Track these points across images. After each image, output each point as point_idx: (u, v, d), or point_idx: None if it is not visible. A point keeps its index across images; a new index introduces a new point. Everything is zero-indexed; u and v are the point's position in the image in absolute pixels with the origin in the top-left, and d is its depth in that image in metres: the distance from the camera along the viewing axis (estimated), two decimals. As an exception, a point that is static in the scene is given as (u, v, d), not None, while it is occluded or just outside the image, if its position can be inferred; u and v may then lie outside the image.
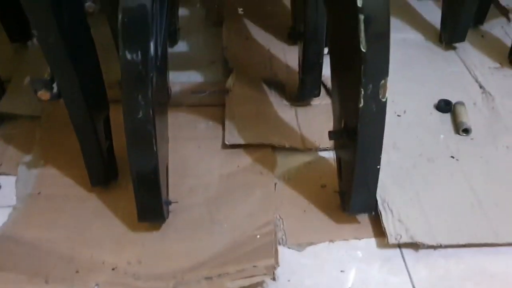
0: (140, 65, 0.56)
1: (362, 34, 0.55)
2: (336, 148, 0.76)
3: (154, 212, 0.70)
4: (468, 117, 0.91)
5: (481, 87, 1.01)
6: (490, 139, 0.88)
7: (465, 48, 1.12)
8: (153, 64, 0.57)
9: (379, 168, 0.66)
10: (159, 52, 0.66)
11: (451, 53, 1.11)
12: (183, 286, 0.66)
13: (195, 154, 0.87)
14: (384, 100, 0.60)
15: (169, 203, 0.74)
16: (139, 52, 0.55)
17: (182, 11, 1.23)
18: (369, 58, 0.56)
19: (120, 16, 0.54)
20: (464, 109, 0.92)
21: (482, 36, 1.16)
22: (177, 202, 0.75)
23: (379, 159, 0.65)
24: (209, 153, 0.88)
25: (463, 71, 1.05)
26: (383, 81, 0.58)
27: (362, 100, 0.59)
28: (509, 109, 0.95)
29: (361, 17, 0.54)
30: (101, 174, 0.78)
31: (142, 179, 0.66)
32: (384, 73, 0.58)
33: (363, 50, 0.55)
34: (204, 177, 0.83)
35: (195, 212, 0.76)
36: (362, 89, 0.58)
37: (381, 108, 0.60)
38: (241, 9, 1.14)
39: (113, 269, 0.69)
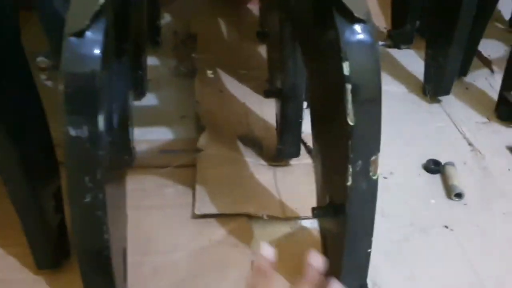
0: (87, 142, 0.47)
1: (350, 106, 0.47)
2: (320, 222, 0.67)
3: (107, 306, 0.59)
4: (459, 180, 0.84)
5: (470, 144, 0.94)
6: (484, 204, 0.81)
7: (450, 101, 1.07)
8: (104, 140, 0.48)
9: (370, 252, 0.57)
10: (114, 120, 0.57)
11: (435, 106, 1.05)
12: None
13: (161, 226, 0.77)
14: (375, 178, 0.51)
15: (127, 291, 0.64)
16: (85, 128, 0.46)
17: (152, 61, 1.16)
18: (358, 133, 0.48)
19: (61, 85, 0.45)
20: (454, 170, 0.86)
21: (467, 88, 1.11)
22: (137, 289, 0.65)
23: (370, 242, 0.56)
24: (177, 224, 0.78)
25: (450, 127, 1.00)
26: (374, 157, 0.50)
27: (350, 178, 0.51)
28: (501, 169, 0.88)
29: (348, 87, 0.46)
30: (49, 255, 0.67)
31: (91, 270, 0.56)
32: (375, 148, 0.50)
33: (351, 123, 0.48)
34: (170, 254, 0.73)
35: (159, 300, 0.66)
36: (349, 166, 0.50)
37: (372, 186, 0.52)
38: (211, 71, 1.07)
39: None
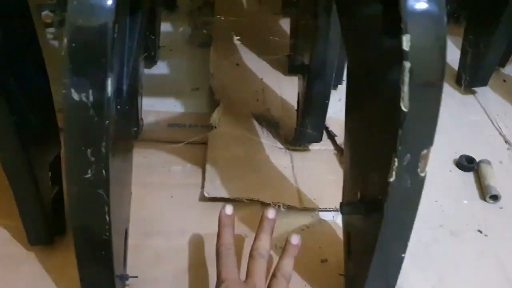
0: (92, 109, 0.39)
1: (406, 88, 0.39)
2: (345, 218, 0.60)
3: (104, 293, 0.53)
4: (496, 180, 0.76)
5: (506, 141, 0.87)
6: (522, 209, 0.74)
7: (486, 93, 0.98)
8: (111, 108, 0.41)
9: (404, 256, 0.50)
10: (123, 86, 0.50)
11: (470, 98, 0.97)
12: None
13: (166, 207, 0.71)
14: (423, 175, 0.44)
15: (125, 278, 0.57)
16: (91, 92, 0.39)
17: (165, 27, 1.07)
18: (411, 121, 0.41)
19: (66, 40, 0.38)
20: (491, 169, 0.78)
21: (504, 80, 1.02)
22: (136, 277, 0.58)
23: (406, 245, 0.50)
24: (184, 206, 0.71)
25: (485, 121, 0.92)
26: (425, 151, 0.43)
27: (394, 173, 0.44)
28: (540, 171, 0.81)
29: (407, 65, 0.39)
30: (42, 231, 0.61)
31: (88, 253, 0.49)
32: (429, 141, 0.43)
33: (404, 109, 0.40)
34: (175, 239, 0.66)
35: (161, 288, 0.60)
36: (396, 160, 0.43)
37: (419, 185, 0.45)
38: (238, 37, 0.98)
39: None
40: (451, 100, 0.96)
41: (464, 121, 0.91)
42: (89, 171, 0.42)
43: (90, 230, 0.47)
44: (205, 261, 0.63)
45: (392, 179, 0.44)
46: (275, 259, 0.60)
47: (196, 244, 0.66)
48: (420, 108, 0.41)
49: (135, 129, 0.78)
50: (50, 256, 0.62)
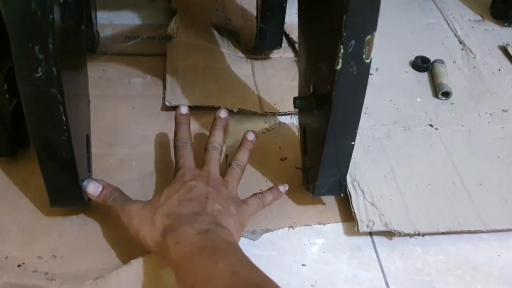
0: (33, 1, 0.39)
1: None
2: (301, 116, 0.63)
3: (70, 196, 0.55)
4: (448, 78, 0.79)
5: (461, 42, 0.89)
6: (472, 104, 0.77)
7: (444, -3, 0.99)
8: (57, 3, 0.40)
9: (354, 144, 0.53)
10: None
11: (429, 2, 0.98)
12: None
13: (128, 117, 0.71)
14: (368, 61, 0.46)
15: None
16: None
17: None
18: (355, 6, 0.42)
19: None
20: (443, 68, 0.81)
21: (463, -17, 1.03)
22: (102, 180, 0.60)
23: (355, 134, 0.52)
24: (145, 115, 0.72)
25: (441, 23, 0.93)
26: (369, 37, 0.44)
27: (340, 61, 0.45)
28: (492, 69, 0.84)
29: None
30: (4, 142, 0.61)
31: (49, 157, 0.50)
32: (372, 25, 0.44)
33: (347, -7, 0.41)
34: (138, 146, 0.68)
35: (126, 191, 0.62)
36: (341, 47, 0.44)
37: (364, 71, 0.47)
38: None
39: (19, 265, 0.54)
40: (410, 5, 0.96)
41: (421, 25, 0.92)
42: (39, 69, 0.42)
43: (48, 131, 0.48)
44: (171, 165, 0.66)
45: (338, 67, 0.46)
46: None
47: (161, 150, 0.68)
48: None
49: (91, 42, 0.77)
50: (14, 167, 0.63)
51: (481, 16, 0.95)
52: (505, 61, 0.86)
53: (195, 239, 0.47)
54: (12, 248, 0.56)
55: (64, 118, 0.46)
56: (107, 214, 0.57)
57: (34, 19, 0.40)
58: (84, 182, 0.55)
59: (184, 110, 0.62)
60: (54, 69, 0.43)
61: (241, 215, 0.54)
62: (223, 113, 0.63)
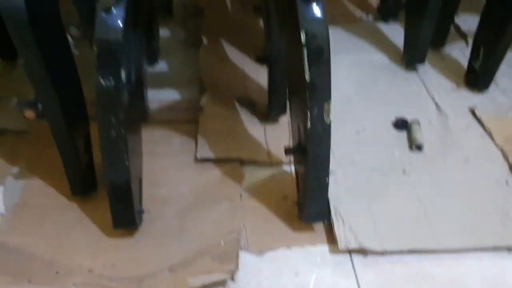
0: (113, 90, 0.64)
1: (306, 65, 0.63)
2: (294, 163, 0.84)
3: (127, 220, 0.77)
4: (422, 135, 0.99)
5: (437, 106, 1.09)
6: (440, 154, 0.96)
7: (426, 69, 1.21)
8: (125, 88, 0.65)
9: (328, 180, 0.74)
10: (132, 77, 0.74)
11: (412, 74, 1.20)
12: (149, 279, 0.72)
13: (168, 167, 0.95)
14: (328, 122, 0.67)
15: (142, 212, 0.81)
16: (111, 79, 0.63)
17: (163, 32, 1.32)
18: (313, 86, 0.64)
19: (95, 47, 0.62)
20: (418, 127, 1.01)
21: (443, 58, 1.24)
22: (149, 211, 0.82)
23: (328, 172, 0.73)
24: (182, 166, 0.95)
25: (421, 91, 1.14)
26: (326, 104, 0.66)
27: (309, 123, 0.67)
28: (461, 127, 1.03)
29: (305, 51, 0.62)
30: (80, 185, 0.85)
31: (116, 190, 0.73)
32: (327, 97, 0.66)
33: (307, 80, 0.63)
34: (176, 188, 0.90)
35: (166, 220, 0.84)
36: (308, 112, 0.66)
37: (326, 129, 0.68)
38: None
39: (89, 271, 0.76)
40: (395, 75, 1.18)
41: (404, 91, 1.13)
42: (113, 131, 0.66)
43: (116, 173, 0.71)
44: (200, 202, 0.87)
45: (309, 126, 0.67)
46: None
47: (192, 191, 0.90)
48: (317, 77, 0.64)
49: (143, 113, 1.02)
50: (86, 204, 0.87)
51: (457, 84, 1.16)
52: (473, 121, 1.05)
53: None
54: (85, 259, 0.78)
55: (127, 163, 0.70)
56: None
57: (113, 99, 0.64)
58: None
59: None
60: (122, 130, 0.67)
61: None
62: None
